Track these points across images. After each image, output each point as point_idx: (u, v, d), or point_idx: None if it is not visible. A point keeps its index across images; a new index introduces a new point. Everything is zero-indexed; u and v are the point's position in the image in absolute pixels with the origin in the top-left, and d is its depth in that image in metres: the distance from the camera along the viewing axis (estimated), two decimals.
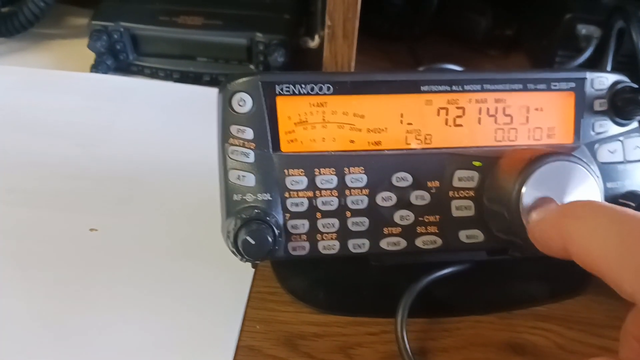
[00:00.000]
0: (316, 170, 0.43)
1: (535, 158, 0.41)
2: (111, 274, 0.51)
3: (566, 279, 0.52)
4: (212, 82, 0.75)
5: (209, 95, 0.70)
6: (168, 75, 0.76)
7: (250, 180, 0.42)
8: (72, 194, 0.58)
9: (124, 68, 0.77)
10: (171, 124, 0.67)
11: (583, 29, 0.72)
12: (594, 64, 0.71)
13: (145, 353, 0.46)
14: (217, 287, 0.50)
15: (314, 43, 0.77)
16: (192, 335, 0.47)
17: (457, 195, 0.45)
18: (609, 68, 0.69)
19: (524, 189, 0.40)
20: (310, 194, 0.43)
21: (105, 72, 0.75)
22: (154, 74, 0.76)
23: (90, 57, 0.75)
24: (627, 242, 0.31)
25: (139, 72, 0.77)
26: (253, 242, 0.39)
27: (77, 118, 0.66)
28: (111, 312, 0.48)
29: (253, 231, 0.39)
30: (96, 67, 0.74)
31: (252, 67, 0.75)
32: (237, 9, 0.75)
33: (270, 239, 0.40)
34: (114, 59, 0.75)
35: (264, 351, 0.46)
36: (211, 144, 0.57)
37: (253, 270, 0.52)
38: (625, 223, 0.32)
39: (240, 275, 0.51)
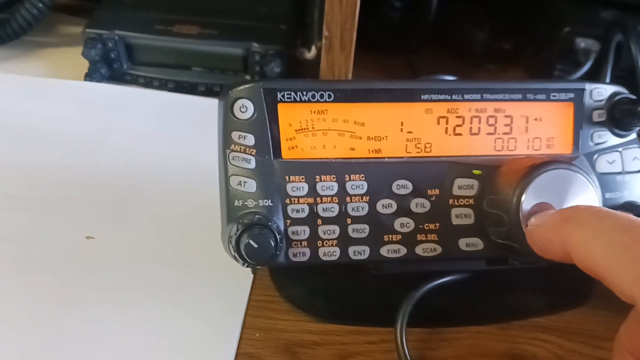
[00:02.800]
0: (317, 177, 0.45)
1: (536, 166, 0.42)
2: (109, 281, 0.52)
3: (566, 291, 0.54)
4: (207, 92, 0.77)
5: (204, 104, 0.72)
6: (163, 85, 0.77)
7: (251, 186, 0.44)
8: (68, 201, 0.59)
9: (118, 77, 0.78)
10: (166, 133, 0.68)
11: (582, 43, 0.74)
12: (593, 77, 0.73)
13: (146, 358, 0.47)
14: (216, 295, 0.52)
15: (310, 54, 0.79)
16: (191, 343, 0.48)
17: (457, 204, 0.46)
18: (607, 81, 0.71)
19: (523, 197, 0.42)
20: (311, 200, 0.45)
21: (99, 81, 0.76)
22: (148, 83, 0.78)
23: (84, 65, 0.76)
24: (630, 248, 0.32)
25: (133, 81, 0.78)
26: (256, 245, 0.41)
27: (71, 126, 0.68)
28: (110, 319, 0.49)
29: (255, 235, 0.41)
30: (90, 76, 0.76)
31: (247, 77, 0.77)
32: (234, 19, 0.77)
33: (272, 243, 0.41)
34: (108, 67, 0.77)
35: (264, 359, 0.48)
36: (206, 153, 0.59)
37: (251, 278, 0.53)
38: (628, 230, 0.33)
39: (239, 283, 0.53)
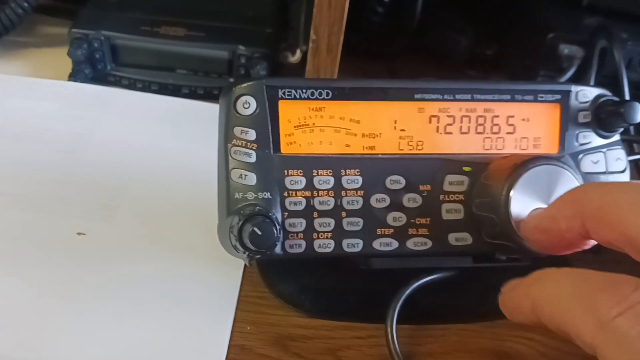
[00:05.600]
0: (314, 171, 0.48)
1: (524, 161, 0.46)
2: (102, 276, 0.54)
3: None
4: (190, 95, 0.79)
5: (188, 107, 0.75)
6: (146, 87, 0.79)
7: (251, 179, 0.47)
8: (57, 199, 0.61)
9: (101, 78, 0.80)
10: (151, 134, 0.71)
11: (565, 49, 0.77)
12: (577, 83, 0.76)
13: (140, 351, 0.49)
14: (206, 290, 0.54)
15: (294, 58, 0.82)
16: (184, 336, 0.50)
17: (447, 199, 0.50)
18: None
19: (512, 192, 0.46)
20: (308, 193, 0.48)
21: (83, 81, 0.78)
22: (132, 84, 0.79)
23: (66, 66, 0.78)
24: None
25: (117, 82, 0.80)
26: (260, 233, 0.44)
27: (56, 125, 0.70)
28: (103, 313, 0.51)
29: (259, 223, 0.44)
30: (74, 76, 0.78)
31: (232, 80, 0.79)
32: (220, 21, 0.80)
33: (275, 232, 0.45)
34: (92, 68, 0.79)
35: (255, 350, 0.50)
36: (190, 153, 0.63)
37: (241, 274, 0.56)
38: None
39: (229, 278, 0.55)
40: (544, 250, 0.45)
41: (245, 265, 0.56)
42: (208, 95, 0.79)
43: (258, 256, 0.46)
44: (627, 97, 0.72)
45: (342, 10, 0.65)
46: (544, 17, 0.83)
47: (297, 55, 0.82)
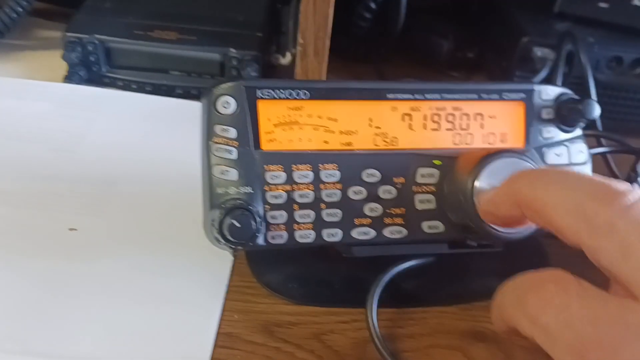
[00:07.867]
0: (294, 166, 0.51)
1: (487, 155, 0.50)
2: (94, 270, 0.56)
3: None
4: (184, 95, 0.82)
5: (181, 107, 0.78)
6: (141, 88, 0.82)
7: (233, 175, 0.49)
8: (50, 195, 0.63)
9: (96, 80, 0.82)
10: (145, 133, 0.73)
11: (538, 52, 0.81)
12: (549, 83, 0.80)
13: (131, 338, 0.51)
14: (196, 282, 0.56)
15: (285, 60, 0.85)
16: (174, 325, 0.52)
17: (420, 190, 0.54)
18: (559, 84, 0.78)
19: (476, 183, 0.49)
20: (288, 187, 0.51)
21: (78, 83, 0.80)
22: (126, 86, 0.82)
23: (61, 68, 0.81)
24: (578, 198, 0.39)
25: (112, 84, 0.82)
26: (239, 225, 0.47)
27: (50, 125, 0.72)
28: (94, 305, 0.53)
29: (238, 215, 0.47)
30: (69, 78, 0.80)
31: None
32: (211, 26, 0.83)
33: (253, 224, 0.48)
34: (87, 70, 0.81)
35: (243, 337, 0.53)
36: (181, 150, 0.65)
37: (230, 266, 0.58)
38: (576, 182, 0.41)
39: (218, 270, 0.57)
40: (501, 227, 0.50)
41: (234, 257, 0.59)
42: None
43: (240, 248, 0.49)
44: (594, 97, 0.76)
45: (326, 16, 0.68)
46: (519, 22, 0.88)
47: (288, 58, 0.85)
